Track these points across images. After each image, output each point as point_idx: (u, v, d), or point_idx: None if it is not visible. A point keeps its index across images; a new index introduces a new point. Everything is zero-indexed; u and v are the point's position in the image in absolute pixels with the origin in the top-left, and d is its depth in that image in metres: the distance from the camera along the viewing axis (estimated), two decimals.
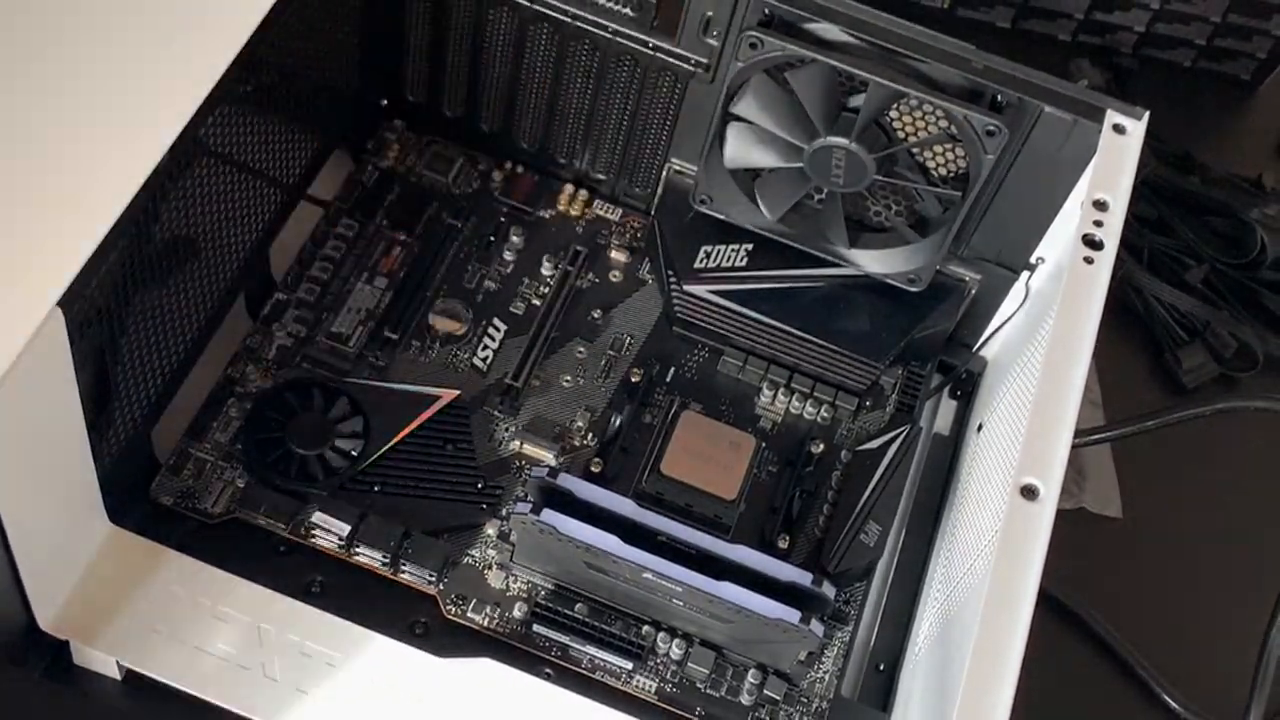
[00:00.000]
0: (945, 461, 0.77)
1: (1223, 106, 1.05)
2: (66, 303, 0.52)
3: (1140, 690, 0.77)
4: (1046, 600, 0.73)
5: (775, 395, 0.77)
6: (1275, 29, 1.01)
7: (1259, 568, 0.76)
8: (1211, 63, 1.05)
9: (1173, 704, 0.76)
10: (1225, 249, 0.92)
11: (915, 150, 0.71)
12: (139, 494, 0.67)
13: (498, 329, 0.76)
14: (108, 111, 0.58)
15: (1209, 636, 0.79)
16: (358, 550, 0.67)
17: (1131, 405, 0.85)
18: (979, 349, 0.80)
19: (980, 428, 0.75)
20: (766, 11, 0.69)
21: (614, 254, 0.81)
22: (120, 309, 0.58)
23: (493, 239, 0.80)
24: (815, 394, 0.77)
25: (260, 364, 0.73)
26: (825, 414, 0.77)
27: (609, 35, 0.74)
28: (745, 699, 0.67)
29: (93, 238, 0.54)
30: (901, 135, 0.71)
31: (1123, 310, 0.91)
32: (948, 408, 0.79)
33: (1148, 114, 0.68)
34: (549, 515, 0.64)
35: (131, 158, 0.56)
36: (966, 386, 0.80)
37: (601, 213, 0.83)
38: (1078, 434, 0.60)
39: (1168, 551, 0.83)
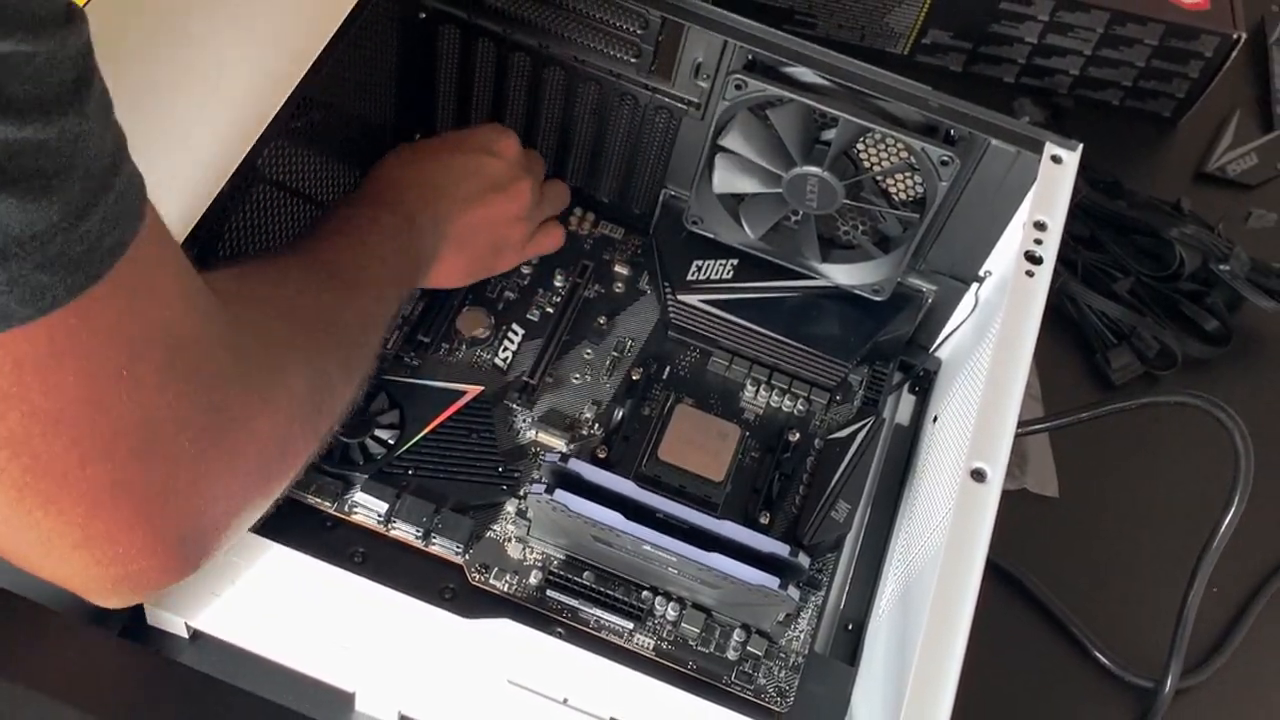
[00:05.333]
0: (905, 448, 0.77)
1: (1147, 140, 1.05)
2: None
3: (1074, 648, 0.77)
4: (993, 569, 0.73)
5: (757, 391, 0.77)
6: (1193, 73, 1.02)
7: (1178, 541, 0.76)
8: (1137, 102, 1.05)
9: (1103, 660, 0.77)
10: (1149, 263, 0.93)
11: (879, 178, 0.71)
12: None
13: (516, 333, 0.77)
14: (180, 142, 0.58)
15: (1134, 601, 0.80)
16: (394, 525, 0.67)
17: (1067, 399, 0.85)
18: (934, 350, 0.80)
19: (936, 419, 0.75)
20: (750, 57, 0.69)
21: (617, 268, 0.81)
22: None
23: None
24: (792, 390, 0.77)
25: None
26: (801, 407, 0.77)
27: (613, 78, 0.74)
28: (731, 654, 0.67)
29: None
30: (867, 165, 0.71)
31: (1060, 317, 0.91)
32: (907, 402, 0.80)
33: (1081, 146, 0.68)
34: (561, 495, 0.64)
35: (199, 183, 0.57)
36: (924, 383, 0.80)
37: (606, 232, 0.83)
38: (1020, 424, 0.60)
39: (1099, 527, 0.83)
